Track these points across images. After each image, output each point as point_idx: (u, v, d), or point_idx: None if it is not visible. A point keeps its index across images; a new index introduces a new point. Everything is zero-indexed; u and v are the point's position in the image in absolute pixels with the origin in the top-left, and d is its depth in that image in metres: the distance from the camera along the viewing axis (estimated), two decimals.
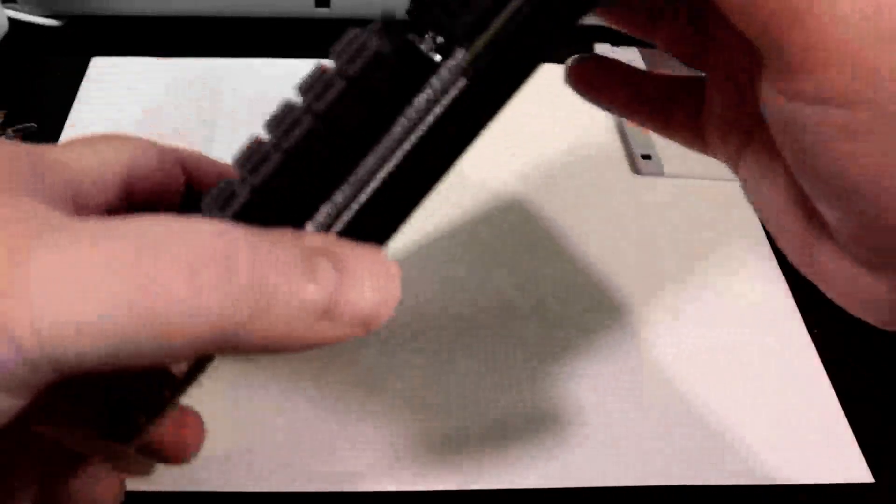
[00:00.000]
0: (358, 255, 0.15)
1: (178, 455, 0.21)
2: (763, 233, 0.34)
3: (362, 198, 0.16)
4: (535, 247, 0.33)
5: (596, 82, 0.26)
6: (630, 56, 0.43)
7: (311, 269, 0.14)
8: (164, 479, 0.25)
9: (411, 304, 0.31)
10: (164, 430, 0.21)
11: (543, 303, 0.31)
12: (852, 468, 0.27)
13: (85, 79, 0.39)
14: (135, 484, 0.25)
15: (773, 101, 0.17)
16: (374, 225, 0.17)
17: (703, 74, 0.24)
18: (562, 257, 0.33)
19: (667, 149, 0.38)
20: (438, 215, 0.34)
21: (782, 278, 0.33)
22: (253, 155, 0.16)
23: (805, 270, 0.21)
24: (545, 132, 0.38)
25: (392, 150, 0.16)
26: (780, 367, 0.30)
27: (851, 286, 0.19)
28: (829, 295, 0.20)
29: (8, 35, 0.42)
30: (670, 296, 0.32)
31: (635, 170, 0.37)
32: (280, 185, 0.16)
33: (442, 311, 0.31)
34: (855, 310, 0.20)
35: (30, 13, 0.43)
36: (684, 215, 0.35)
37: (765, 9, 0.16)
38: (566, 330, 0.30)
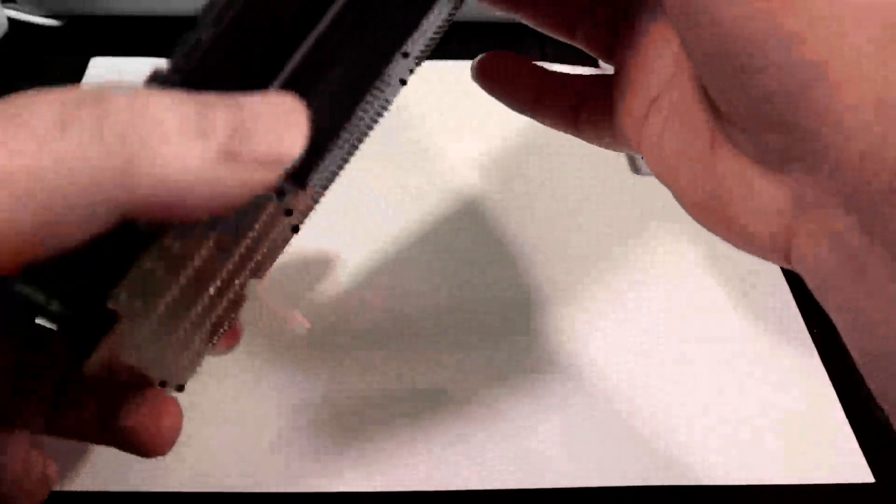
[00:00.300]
0: (257, 97, 0.15)
1: (154, 445, 0.21)
2: None
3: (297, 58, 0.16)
4: (535, 246, 0.33)
5: (501, 78, 0.26)
6: None
7: (202, 115, 0.14)
8: (165, 479, 0.25)
9: (412, 305, 0.31)
10: (140, 418, 0.20)
11: (544, 302, 0.31)
12: (852, 468, 0.27)
13: (85, 79, 0.39)
14: (134, 484, 0.25)
15: None
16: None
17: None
18: (562, 257, 0.33)
19: None
20: (436, 214, 0.34)
21: (783, 278, 0.33)
22: (186, 45, 0.16)
23: (704, 214, 0.21)
24: (544, 131, 0.38)
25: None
26: (780, 367, 0.30)
27: (750, 197, 0.19)
28: (729, 230, 0.21)
29: (7, 35, 0.42)
30: (670, 295, 0.32)
31: (635, 169, 0.37)
32: (210, 64, 0.15)
33: (443, 312, 0.31)
34: (751, 236, 0.20)
35: (29, 13, 0.43)
36: (684, 215, 0.35)
37: None
38: (567, 329, 0.30)
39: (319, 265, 0.32)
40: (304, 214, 0.20)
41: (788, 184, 0.18)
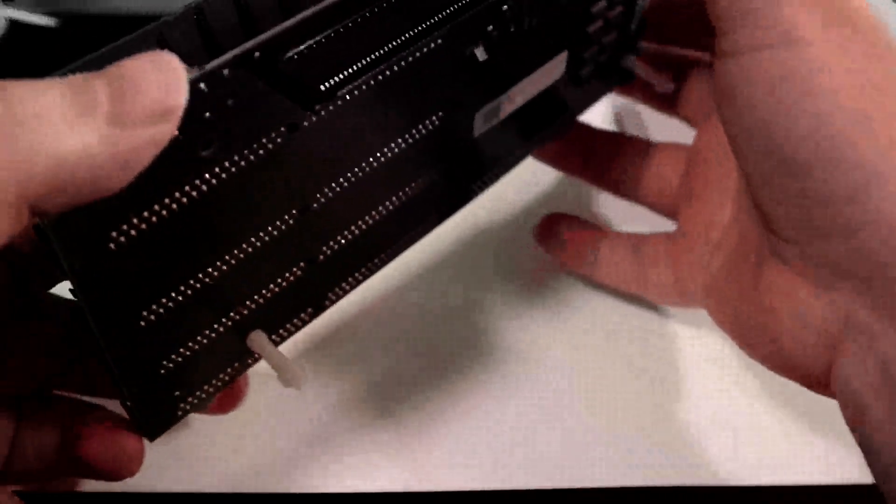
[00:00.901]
0: (129, 59, 0.15)
1: (116, 469, 0.20)
2: None
3: None
4: (535, 247, 0.33)
5: (560, 243, 0.30)
6: None
7: (80, 92, 0.14)
8: (163, 480, 0.25)
9: (412, 306, 0.31)
10: (99, 440, 0.20)
11: (544, 303, 0.31)
12: (852, 469, 0.27)
13: None
14: (134, 484, 0.25)
15: (721, 66, 0.19)
16: None
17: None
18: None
19: None
20: None
21: None
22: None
23: (760, 354, 0.22)
24: None
25: None
26: None
27: (796, 315, 0.19)
28: (770, 352, 0.21)
29: (6, 35, 0.42)
30: None
31: None
32: None
33: (443, 312, 0.31)
34: (793, 358, 0.20)
35: (28, 12, 0.43)
36: None
37: None
38: (568, 330, 0.30)
39: None
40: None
41: (839, 302, 0.18)
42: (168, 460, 0.26)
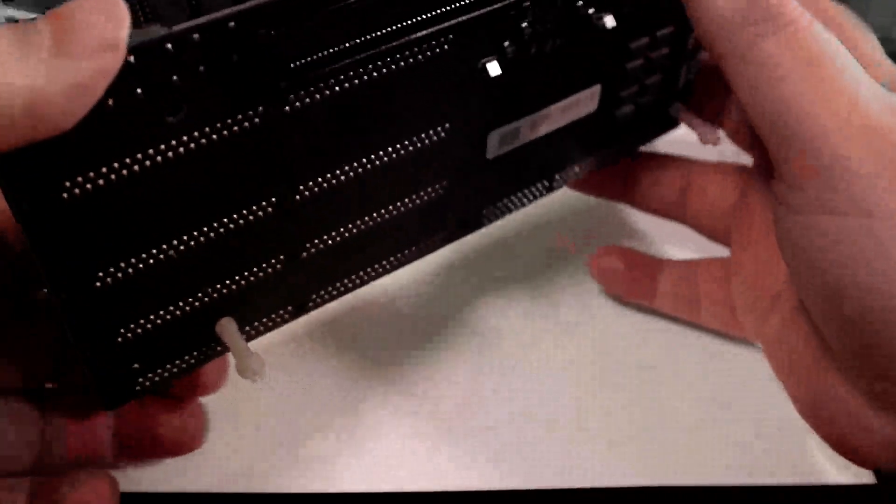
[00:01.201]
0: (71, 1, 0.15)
1: (178, 447, 0.21)
2: None
3: None
4: (536, 247, 0.33)
5: (619, 276, 0.28)
6: None
7: (23, 35, 0.15)
8: (163, 481, 0.25)
9: (412, 308, 0.31)
10: (169, 419, 0.21)
11: (546, 302, 0.31)
12: (853, 469, 0.27)
13: None
14: (133, 485, 0.25)
15: (784, 215, 0.18)
16: None
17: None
18: (563, 256, 0.33)
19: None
20: None
21: None
22: None
23: (813, 422, 0.21)
24: None
25: None
26: None
27: (858, 426, 0.19)
28: (832, 444, 0.21)
29: None
30: None
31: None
32: None
33: (443, 312, 0.31)
34: (860, 455, 0.20)
35: (28, 12, 0.43)
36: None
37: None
38: (570, 331, 0.30)
39: None
40: None
41: None
42: (164, 462, 0.26)
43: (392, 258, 0.23)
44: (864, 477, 0.26)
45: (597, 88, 0.25)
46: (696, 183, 0.28)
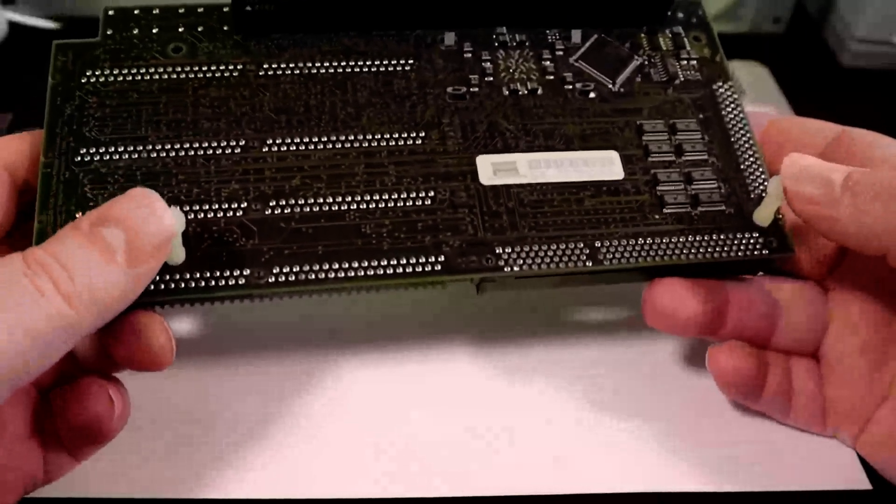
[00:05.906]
0: (112, 206, 0.19)
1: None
2: None
3: None
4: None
5: (743, 377, 0.26)
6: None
7: (96, 238, 0.18)
8: (161, 483, 0.25)
9: (411, 304, 0.31)
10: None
11: (547, 303, 0.31)
12: (849, 474, 0.27)
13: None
14: (131, 486, 0.25)
15: None
16: None
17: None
18: None
19: None
20: None
21: None
22: None
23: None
24: None
25: None
26: None
27: None
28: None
29: (8, 38, 0.42)
30: None
31: None
32: None
33: (443, 313, 0.31)
34: None
35: (30, 15, 0.43)
36: None
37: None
38: (571, 332, 0.30)
39: None
40: None
41: None
42: (161, 465, 0.26)
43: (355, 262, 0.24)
44: (862, 483, 0.26)
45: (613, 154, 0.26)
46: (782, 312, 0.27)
